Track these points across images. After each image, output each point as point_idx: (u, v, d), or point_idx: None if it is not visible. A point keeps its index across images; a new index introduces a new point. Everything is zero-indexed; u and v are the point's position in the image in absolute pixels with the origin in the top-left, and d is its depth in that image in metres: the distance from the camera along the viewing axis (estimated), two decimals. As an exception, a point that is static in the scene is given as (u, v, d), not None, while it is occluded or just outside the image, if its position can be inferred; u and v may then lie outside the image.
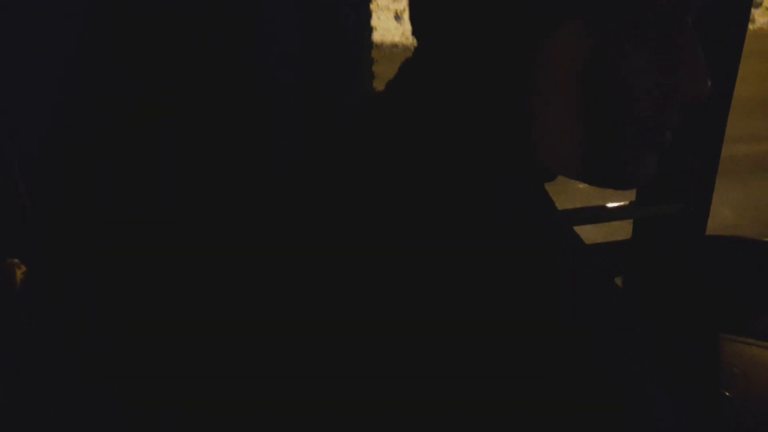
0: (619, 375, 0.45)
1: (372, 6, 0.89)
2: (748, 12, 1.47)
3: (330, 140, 0.50)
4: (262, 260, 0.46)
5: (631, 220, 1.69)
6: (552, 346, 0.44)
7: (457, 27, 0.51)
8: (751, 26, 1.49)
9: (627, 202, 1.64)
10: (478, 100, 0.52)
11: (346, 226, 0.46)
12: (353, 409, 0.43)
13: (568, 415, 0.43)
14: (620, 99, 0.50)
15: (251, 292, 0.45)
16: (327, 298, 0.44)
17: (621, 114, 0.50)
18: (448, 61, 0.53)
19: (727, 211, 4.40)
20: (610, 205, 1.63)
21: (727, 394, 1.26)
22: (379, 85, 0.65)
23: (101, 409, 0.45)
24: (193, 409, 0.44)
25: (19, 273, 0.56)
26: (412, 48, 0.57)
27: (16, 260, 0.56)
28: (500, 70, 0.51)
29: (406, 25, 0.59)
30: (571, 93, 0.50)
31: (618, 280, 1.67)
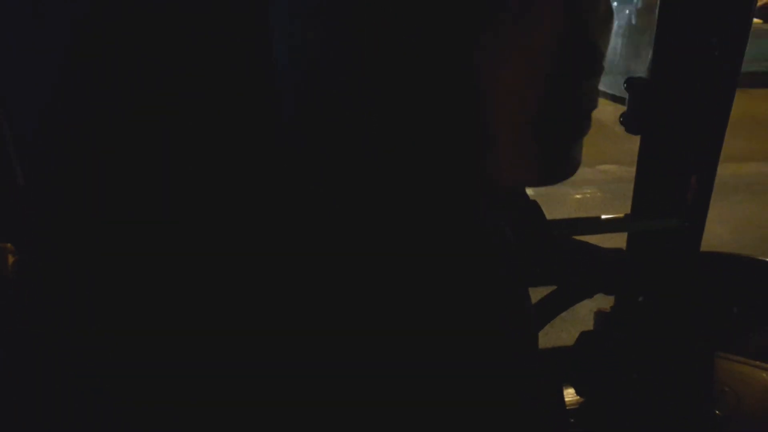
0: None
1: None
2: (750, 20, 1.46)
3: (330, 139, 0.50)
4: (262, 260, 0.46)
5: (625, 234, 1.69)
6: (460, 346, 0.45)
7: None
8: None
9: (622, 215, 1.64)
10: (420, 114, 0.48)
11: (344, 226, 0.46)
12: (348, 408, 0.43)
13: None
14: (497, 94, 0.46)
15: (251, 292, 0.45)
16: (321, 299, 0.44)
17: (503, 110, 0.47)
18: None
19: (720, 229, 4.43)
20: (604, 216, 1.63)
21: (718, 412, 1.26)
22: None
23: (99, 410, 0.45)
24: (193, 410, 0.43)
25: (11, 259, 0.55)
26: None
27: (8, 245, 0.54)
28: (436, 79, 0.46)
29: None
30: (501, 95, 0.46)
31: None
